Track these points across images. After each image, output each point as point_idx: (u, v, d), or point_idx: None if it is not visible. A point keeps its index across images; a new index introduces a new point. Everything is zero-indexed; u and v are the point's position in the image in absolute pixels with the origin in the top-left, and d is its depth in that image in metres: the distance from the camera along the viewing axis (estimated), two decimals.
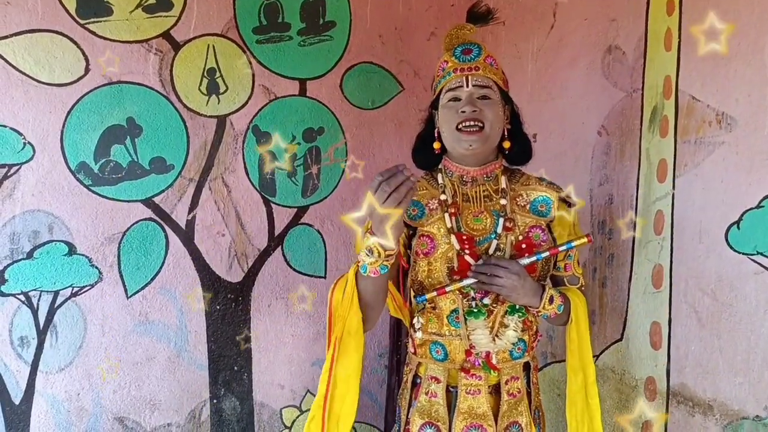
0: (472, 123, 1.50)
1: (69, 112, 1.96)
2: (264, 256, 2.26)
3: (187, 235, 2.14)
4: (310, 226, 2.32)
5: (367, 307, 1.54)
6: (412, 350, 1.63)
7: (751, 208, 1.52)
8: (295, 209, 2.30)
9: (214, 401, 2.21)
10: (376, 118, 2.39)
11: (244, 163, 2.21)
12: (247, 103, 2.19)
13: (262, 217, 2.25)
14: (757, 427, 1.52)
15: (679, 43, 1.71)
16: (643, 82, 1.83)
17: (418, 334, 1.58)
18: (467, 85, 1.53)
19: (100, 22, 1.98)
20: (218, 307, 2.20)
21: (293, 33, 2.24)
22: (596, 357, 2.01)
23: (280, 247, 2.28)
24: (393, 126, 2.40)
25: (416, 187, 1.32)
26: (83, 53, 1.97)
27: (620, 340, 1.92)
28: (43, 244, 1.96)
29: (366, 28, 2.35)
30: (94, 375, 2.04)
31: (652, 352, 1.80)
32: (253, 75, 2.20)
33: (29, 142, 1.92)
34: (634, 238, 1.87)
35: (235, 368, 2.24)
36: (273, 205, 2.26)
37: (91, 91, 1.98)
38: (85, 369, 2.03)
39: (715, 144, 1.61)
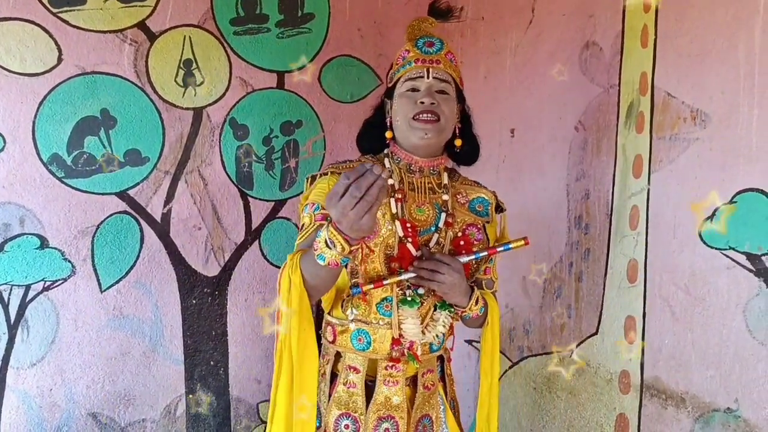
0: (429, 115, 1.48)
1: (41, 103, 1.93)
2: (241, 249, 2.24)
3: (162, 229, 2.12)
4: (288, 219, 2.31)
5: (313, 291, 1.43)
6: (331, 339, 1.56)
7: (724, 204, 1.54)
8: (273, 203, 2.28)
9: (190, 396, 2.19)
10: (355, 112, 2.38)
11: (221, 156, 2.19)
12: (224, 95, 2.17)
13: (239, 210, 2.23)
14: (727, 419, 1.55)
15: (656, 39, 1.72)
16: (619, 78, 1.84)
17: (351, 325, 1.52)
18: (428, 77, 1.52)
19: (74, 11, 1.94)
20: (194, 302, 2.18)
21: (271, 25, 2.22)
22: (572, 351, 2.02)
23: (257, 240, 2.26)
24: None
25: (387, 187, 1.18)
26: (56, 43, 1.93)
27: (595, 333, 1.93)
28: (15, 237, 1.92)
29: (345, 21, 2.34)
30: (67, 370, 2.01)
31: (627, 345, 1.82)
32: (231, 67, 2.17)
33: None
34: (609, 233, 1.88)
35: (212, 363, 2.22)
36: (250, 199, 2.25)
37: (63, 81, 1.95)
38: (58, 364, 1.99)
39: (689, 140, 1.63)
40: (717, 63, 1.56)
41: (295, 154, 2.29)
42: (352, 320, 1.52)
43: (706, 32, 1.59)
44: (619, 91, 1.85)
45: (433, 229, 1.53)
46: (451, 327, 1.62)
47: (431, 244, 1.51)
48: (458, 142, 1.58)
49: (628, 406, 1.82)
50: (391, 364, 1.51)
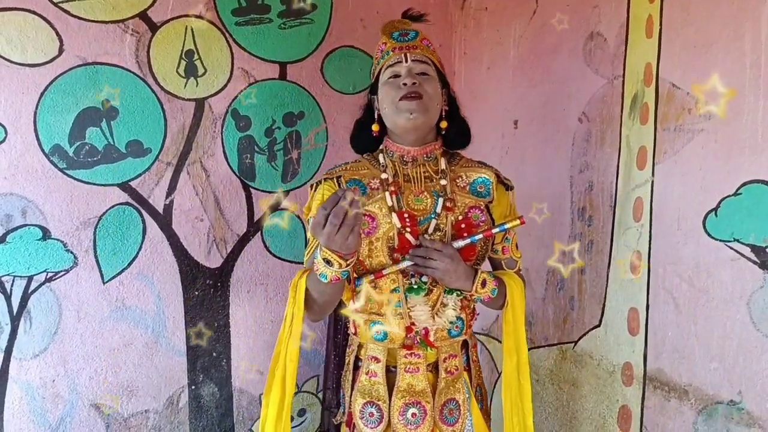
0: (412, 95, 1.51)
1: (42, 94, 1.92)
2: (243, 241, 2.24)
3: (164, 220, 2.12)
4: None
5: (326, 305, 1.55)
6: (353, 331, 1.64)
7: (728, 196, 1.54)
8: (275, 194, 2.28)
9: (193, 387, 2.20)
10: (357, 103, 2.34)
11: (223, 148, 2.18)
12: (226, 86, 2.16)
13: (241, 202, 2.23)
14: (731, 411, 1.54)
15: (661, 30, 1.71)
16: (624, 69, 1.83)
17: (354, 315, 1.60)
18: (406, 61, 1.55)
19: (75, 1, 1.93)
20: (197, 293, 2.18)
21: (273, 15, 2.21)
22: (575, 343, 2.02)
23: (259, 232, 2.26)
24: None
25: (363, 210, 1.27)
26: (57, 33, 1.92)
27: (598, 325, 1.93)
28: (17, 228, 1.92)
29: (347, 11, 2.33)
30: (70, 361, 2.01)
31: (630, 337, 1.82)
32: (232, 58, 2.16)
33: (1, 124, 1.88)
34: (613, 225, 1.88)
35: (214, 354, 2.22)
36: (252, 190, 2.24)
37: (65, 72, 1.94)
38: (61, 355, 2.00)
39: (694, 131, 1.62)
40: (722, 53, 1.55)
41: (297, 146, 2.29)
42: (353, 310, 1.58)
43: (711, 22, 1.57)
44: (623, 82, 1.84)
45: (432, 216, 1.55)
46: (473, 311, 1.64)
47: (430, 231, 1.53)
48: (443, 124, 1.61)
49: (631, 398, 1.82)
50: (409, 352, 1.56)
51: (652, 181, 1.73)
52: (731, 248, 1.53)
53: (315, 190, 1.62)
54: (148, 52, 2.04)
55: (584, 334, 1.99)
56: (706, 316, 1.60)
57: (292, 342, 1.53)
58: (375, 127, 1.62)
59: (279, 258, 2.30)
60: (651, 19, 1.74)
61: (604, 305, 1.91)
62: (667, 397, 1.70)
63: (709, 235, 1.58)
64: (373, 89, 1.64)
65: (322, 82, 2.31)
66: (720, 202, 1.55)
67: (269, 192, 2.26)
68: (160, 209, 2.11)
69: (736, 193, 1.52)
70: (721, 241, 1.56)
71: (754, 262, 1.48)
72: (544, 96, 2.15)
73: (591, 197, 1.96)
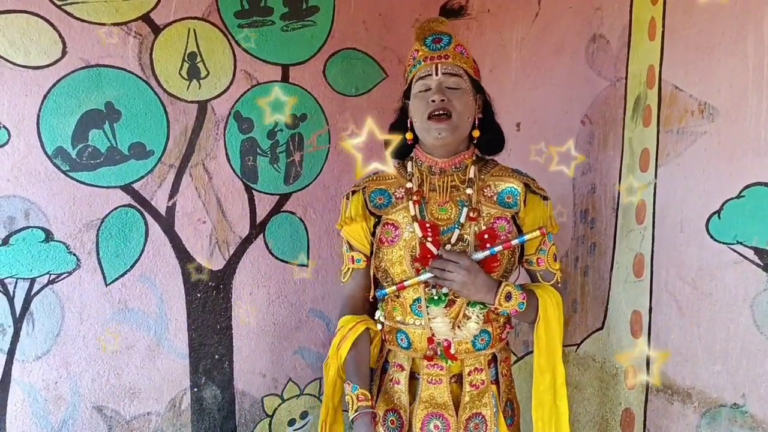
0: (440, 112, 1.50)
1: (45, 96, 1.92)
2: (245, 243, 2.24)
3: (167, 223, 2.12)
4: (293, 213, 2.30)
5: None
6: (384, 338, 1.65)
7: (731, 198, 1.53)
8: (278, 196, 2.28)
9: (195, 390, 2.19)
10: (360, 105, 2.37)
11: (226, 150, 2.18)
12: (228, 88, 2.17)
13: (243, 204, 2.23)
14: (734, 414, 1.54)
15: (663, 32, 1.71)
16: (626, 72, 1.83)
17: (379, 326, 1.62)
18: (437, 74, 1.53)
19: (78, 3, 1.94)
20: (199, 295, 2.18)
21: (276, 18, 2.21)
22: (577, 345, 2.02)
23: (262, 234, 2.26)
24: (376, 113, 2.39)
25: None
26: (60, 35, 1.92)
27: (601, 328, 1.93)
28: (20, 230, 1.92)
29: (350, 13, 2.33)
30: (72, 363, 2.01)
31: (633, 340, 1.81)
32: (235, 60, 2.17)
33: (4, 126, 1.88)
34: (615, 228, 1.87)
35: (216, 357, 2.22)
36: (255, 192, 2.24)
37: (68, 74, 1.94)
38: (63, 357, 2.00)
39: (697, 134, 1.61)
40: (725, 56, 1.55)
41: (299, 148, 2.29)
42: (377, 320, 1.62)
43: (714, 24, 1.57)
44: (626, 84, 1.83)
45: (456, 226, 1.53)
46: (503, 325, 1.62)
47: (453, 241, 1.52)
48: (476, 133, 1.60)
49: (634, 401, 1.81)
50: (430, 363, 1.56)
51: (655, 184, 1.73)
52: (734, 251, 1.53)
53: (348, 200, 1.64)
54: (150, 54, 2.05)
55: (587, 337, 1.98)
56: (709, 318, 1.59)
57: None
58: (409, 136, 1.61)
59: (281, 260, 2.30)
60: (654, 21, 1.74)
61: (606, 308, 1.91)
62: (671, 400, 1.70)
63: (712, 237, 1.58)
64: (407, 94, 1.63)
65: (324, 84, 2.31)
66: (723, 205, 1.55)
67: (271, 194, 2.26)
68: (163, 211, 2.11)
69: (739, 196, 1.52)
70: (724, 243, 1.55)
71: (758, 265, 1.48)
72: (546, 98, 2.15)
73: (593, 200, 1.96)
